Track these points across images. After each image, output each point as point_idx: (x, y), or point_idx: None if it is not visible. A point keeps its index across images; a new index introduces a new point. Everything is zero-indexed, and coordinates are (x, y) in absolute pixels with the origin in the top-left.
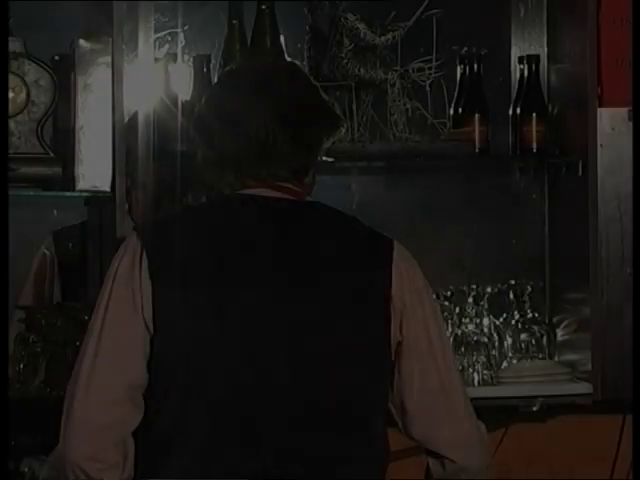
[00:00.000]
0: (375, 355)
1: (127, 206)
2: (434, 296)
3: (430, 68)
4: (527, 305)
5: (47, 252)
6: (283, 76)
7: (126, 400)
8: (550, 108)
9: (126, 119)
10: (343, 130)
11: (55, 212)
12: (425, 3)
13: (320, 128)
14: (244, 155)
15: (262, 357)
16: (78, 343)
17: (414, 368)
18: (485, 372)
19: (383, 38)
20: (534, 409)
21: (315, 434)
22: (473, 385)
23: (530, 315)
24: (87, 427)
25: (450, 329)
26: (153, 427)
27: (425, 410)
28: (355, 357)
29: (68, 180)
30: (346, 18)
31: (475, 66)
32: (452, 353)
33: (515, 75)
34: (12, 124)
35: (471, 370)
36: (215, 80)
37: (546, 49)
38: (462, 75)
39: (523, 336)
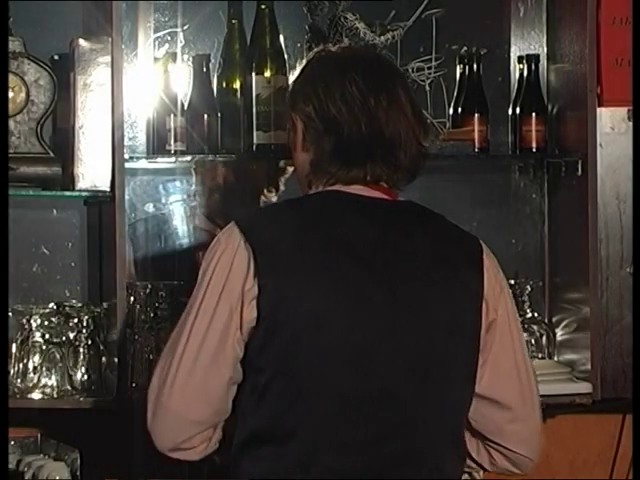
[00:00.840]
0: (467, 356)
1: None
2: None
3: (430, 68)
4: (526, 305)
5: None
6: (397, 72)
7: (220, 396)
8: (550, 108)
9: (126, 118)
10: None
11: (55, 211)
12: (425, 3)
13: (426, 138)
14: (352, 154)
15: (362, 353)
16: (78, 343)
17: (497, 361)
18: None
19: (383, 38)
20: None
21: (411, 435)
22: None
23: (529, 315)
24: (179, 423)
25: None
26: (251, 418)
27: (502, 402)
28: (450, 356)
29: (67, 180)
30: (345, 18)
31: (475, 66)
32: (526, 349)
33: (515, 75)
34: (12, 124)
35: None
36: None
37: (545, 49)
38: (461, 75)
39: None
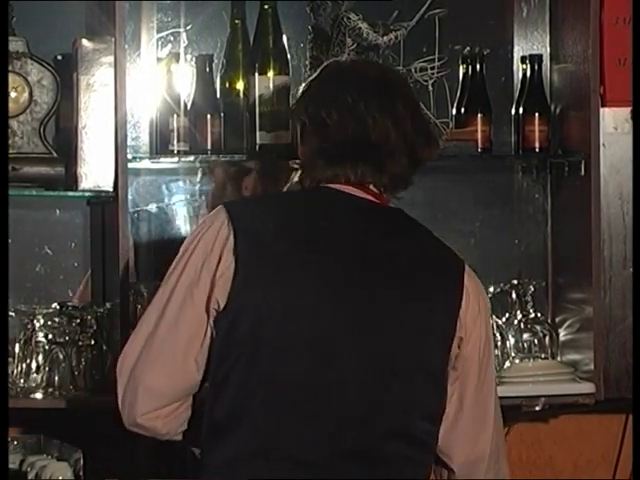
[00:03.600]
0: (435, 363)
1: None
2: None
3: (433, 68)
4: (530, 305)
5: None
6: (399, 85)
7: (188, 371)
8: (552, 108)
9: (129, 118)
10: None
11: (57, 212)
12: (428, 3)
13: (424, 150)
14: (334, 152)
15: (324, 345)
16: (81, 343)
17: (460, 385)
18: None
19: (385, 38)
20: (537, 409)
21: (367, 431)
22: None
23: (533, 315)
24: (149, 393)
25: None
26: (215, 405)
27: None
28: (415, 361)
29: (71, 180)
30: (348, 18)
31: (478, 66)
32: (494, 376)
33: (518, 75)
34: (15, 124)
35: None
36: (311, 74)
37: (548, 49)
38: (465, 75)
39: (526, 336)
